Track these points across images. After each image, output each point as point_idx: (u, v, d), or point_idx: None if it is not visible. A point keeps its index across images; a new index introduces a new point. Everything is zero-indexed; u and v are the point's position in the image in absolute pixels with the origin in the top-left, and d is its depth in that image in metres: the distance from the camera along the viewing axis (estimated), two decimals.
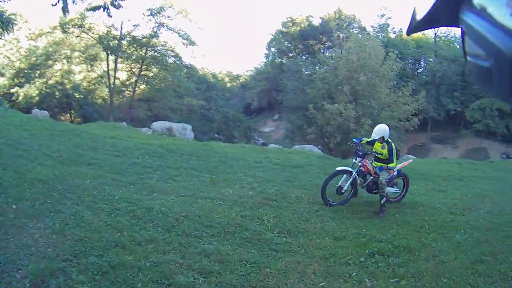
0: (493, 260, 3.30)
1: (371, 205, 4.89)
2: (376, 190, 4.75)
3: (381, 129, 4.82)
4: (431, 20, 0.52)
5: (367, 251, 3.29)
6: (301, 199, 4.83)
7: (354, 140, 4.98)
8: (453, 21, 0.49)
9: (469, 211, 5.04)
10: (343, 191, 4.74)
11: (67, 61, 21.25)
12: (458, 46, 23.69)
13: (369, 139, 4.97)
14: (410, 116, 14.41)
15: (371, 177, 4.81)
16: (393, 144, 4.80)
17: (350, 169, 4.83)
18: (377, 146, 4.83)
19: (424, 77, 26.32)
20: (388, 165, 4.67)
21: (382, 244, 3.44)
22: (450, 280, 2.89)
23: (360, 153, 4.77)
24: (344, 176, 4.81)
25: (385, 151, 4.72)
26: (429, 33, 25.90)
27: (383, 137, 4.77)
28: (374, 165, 4.83)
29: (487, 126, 21.65)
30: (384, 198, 4.59)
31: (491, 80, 0.41)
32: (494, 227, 4.34)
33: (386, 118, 13.03)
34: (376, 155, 4.87)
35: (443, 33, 26.46)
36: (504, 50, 0.36)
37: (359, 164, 4.75)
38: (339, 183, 4.78)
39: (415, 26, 0.57)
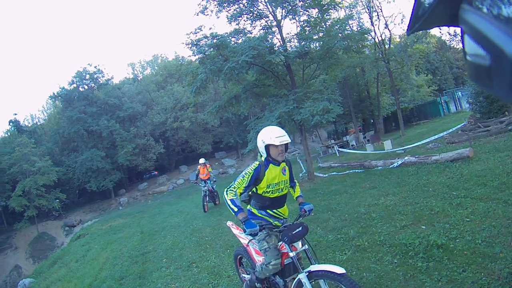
0: None
1: None
2: None
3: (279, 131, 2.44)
4: (431, 19, 0.52)
5: None
6: None
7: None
8: (453, 21, 0.49)
9: None
10: None
11: None
12: None
13: (245, 183, 2.30)
14: None
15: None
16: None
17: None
18: (280, 174, 2.42)
19: None
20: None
21: None
22: None
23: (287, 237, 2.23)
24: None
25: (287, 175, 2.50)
26: None
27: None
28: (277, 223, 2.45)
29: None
30: None
31: (491, 79, 0.41)
32: None
33: None
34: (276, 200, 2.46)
35: None
36: (504, 49, 0.36)
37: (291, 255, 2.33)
38: None
39: (416, 25, 0.57)
